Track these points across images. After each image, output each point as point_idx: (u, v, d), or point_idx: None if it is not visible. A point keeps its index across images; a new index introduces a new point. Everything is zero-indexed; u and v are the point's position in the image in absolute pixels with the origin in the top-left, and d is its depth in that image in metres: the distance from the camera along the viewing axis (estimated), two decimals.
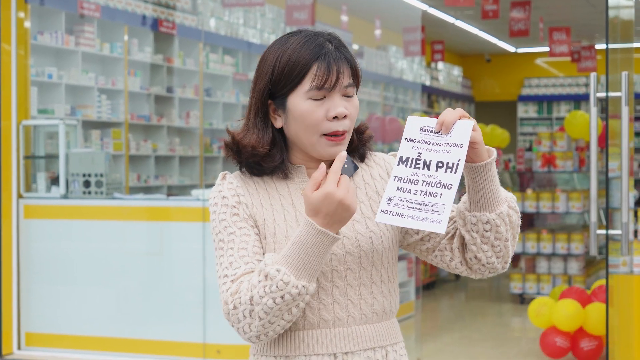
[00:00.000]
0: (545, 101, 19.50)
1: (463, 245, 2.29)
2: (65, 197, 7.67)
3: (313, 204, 2.08)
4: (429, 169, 2.13)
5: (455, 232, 2.30)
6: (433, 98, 17.91)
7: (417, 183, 2.12)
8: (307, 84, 2.21)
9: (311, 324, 2.24)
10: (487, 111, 20.20)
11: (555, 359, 7.50)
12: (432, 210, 2.09)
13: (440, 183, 2.11)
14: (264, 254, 2.23)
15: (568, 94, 19.21)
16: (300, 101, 2.22)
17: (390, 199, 2.13)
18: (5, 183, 7.55)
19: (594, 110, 5.18)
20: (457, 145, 2.11)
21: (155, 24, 10.44)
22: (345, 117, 2.22)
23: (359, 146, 2.36)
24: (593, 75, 5.13)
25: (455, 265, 2.31)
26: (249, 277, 2.15)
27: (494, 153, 2.21)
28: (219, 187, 2.30)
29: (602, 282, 7.96)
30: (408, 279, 9.53)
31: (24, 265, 7.60)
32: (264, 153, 2.27)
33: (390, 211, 2.12)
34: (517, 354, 8.10)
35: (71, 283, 7.54)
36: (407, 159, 2.15)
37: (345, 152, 2.10)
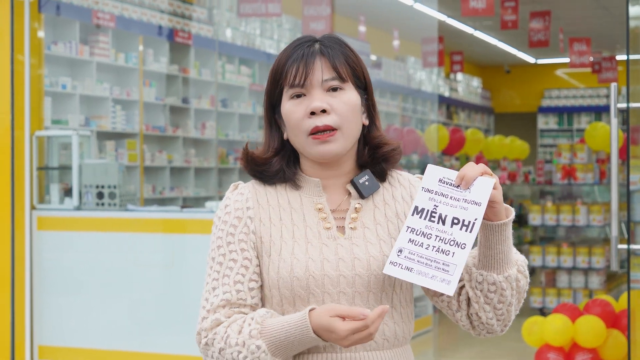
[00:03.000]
0: (566, 112, 19.38)
1: (469, 299, 2.19)
2: (78, 208, 7.60)
3: (324, 324, 2.00)
4: (444, 224, 2.05)
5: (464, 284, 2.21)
6: (452, 109, 17.82)
7: (431, 237, 2.05)
8: (286, 86, 2.17)
9: (316, 348, 2.13)
10: (507, 122, 20.10)
11: None
12: (443, 269, 2.01)
13: (454, 241, 2.03)
14: (261, 272, 2.17)
15: (589, 106, 19.09)
16: (285, 104, 2.18)
17: (400, 251, 2.05)
18: (18, 194, 7.48)
19: (614, 121, 5.06)
20: (476, 204, 2.04)
21: (171, 34, 10.38)
22: (324, 111, 2.14)
23: (373, 162, 2.24)
24: (613, 85, 5.00)
25: (460, 317, 2.21)
26: (227, 320, 2.11)
27: (512, 213, 2.12)
28: (227, 199, 2.25)
29: (600, 295, 7.90)
30: (422, 292, 9.41)
31: (36, 277, 7.53)
32: (262, 161, 2.22)
33: (400, 264, 2.04)
34: None
35: (84, 295, 7.47)
36: (423, 210, 2.08)
37: (387, 308, 1.99)
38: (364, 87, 2.23)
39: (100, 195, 7.57)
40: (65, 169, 7.85)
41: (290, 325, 2.03)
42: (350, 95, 2.17)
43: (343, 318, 1.98)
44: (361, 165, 2.24)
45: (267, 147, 2.24)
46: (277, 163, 2.21)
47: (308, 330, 2.01)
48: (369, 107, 2.25)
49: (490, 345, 9.13)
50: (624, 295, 7.74)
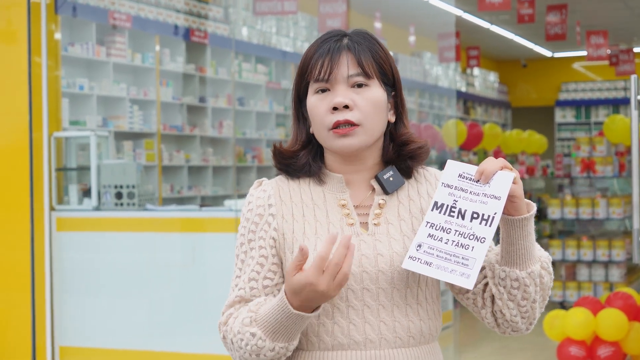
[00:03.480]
0: (583, 106, 19.30)
1: (493, 296, 2.17)
2: (97, 209, 7.60)
3: (293, 287, 1.98)
4: (463, 218, 2.04)
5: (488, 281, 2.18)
6: (469, 104, 17.77)
7: (450, 232, 2.04)
8: (311, 81, 2.16)
9: (340, 345, 2.12)
10: (524, 117, 20.03)
11: None
12: (462, 263, 2.00)
13: (474, 235, 2.02)
14: (284, 268, 2.16)
15: (606, 98, 19.01)
16: (310, 98, 2.17)
17: (420, 246, 2.04)
18: (37, 195, 7.50)
19: (634, 113, 5.03)
20: (495, 198, 2.02)
21: (187, 33, 10.38)
22: (347, 107, 2.12)
23: (399, 159, 2.21)
24: (634, 77, 4.97)
25: (485, 314, 2.18)
26: (236, 313, 2.13)
27: (534, 208, 2.10)
28: (250, 197, 2.24)
29: (621, 288, 7.87)
30: (446, 287, 9.39)
31: (56, 278, 7.54)
32: (290, 155, 2.21)
33: (419, 258, 2.03)
34: None
35: (104, 296, 7.48)
36: (442, 205, 2.07)
37: (338, 235, 1.96)
38: (392, 84, 2.21)
39: (118, 196, 7.57)
40: (83, 169, 7.87)
41: (274, 309, 2.02)
42: (375, 92, 2.14)
43: (301, 270, 1.97)
44: (386, 161, 2.22)
45: (295, 140, 2.23)
46: (304, 157, 2.20)
47: (288, 309, 1.99)
48: (397, 104, 2.23)
49: (511, 339, 9.10)
50: None
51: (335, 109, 2.12)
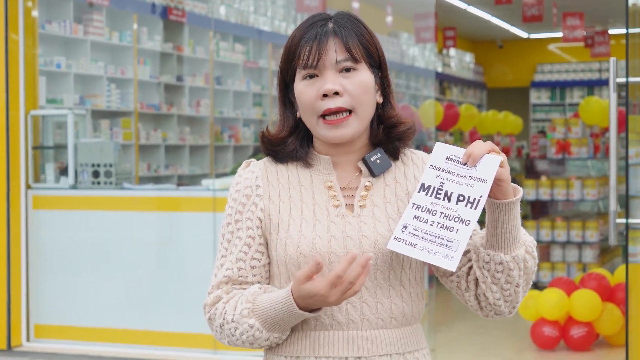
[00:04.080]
0: (558, 87, 19.36)
1: (477, 279, 2.19)
2: (74, 187, 7.59)
3: (301, 293, 2.02)
4: (449, 200, 2.05)
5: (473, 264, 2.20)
6: (445, 85, 17.79)
7: (435, 214, 2.05)
8: (299, 67, 2.16)
9: (323, 325, 2.14)
10: (500, 97, 20.08)
11: (547, 349, 7.52)
12: (446, 245, 2.01)
13: (459, 217, 2.03)
14: (269, 249, 2.19)
15: (581, 80, 19.07)
16: (298, 84, 2.17)
17: (405, 227, 2.05)
18: (14, 174, 7.48)
19: (613, 95, 5.05)
20: (481, 180, 2.03)
21: (165, 12, 10.35)
22: (337, 93, 2.12)
23: (387, 141, 2.22)
24: (613, 60, 4.98)
25: (469, 297, 2.20)
26: (226, 297, 2.15)
27: (520, 192, 2.12)
28: (238, 177, 2.25)
29: (595, 269, 7.96)
30: (424, 265, 9.40)
31: (32, 256, 7.53)
32: (278, 141, 2.21)
33: (404, 240, 2.04)
34: (532, 343, 8.00)
35: (80, 274, 7.48)
36: (429, 187, 2.07)
37: (357, 255, 1.99)
38: (378, 65, 2.21)
39: (96, 174, 7.56)
40: (60, 148, 7.84)
41: (277, 304, 2.05)
42: (364, 76, 2.15)
43: (311, 278, 2.00)
44: (374, 143, 2.23)
45: (282, 126, 2.23)
46: (292, 143, 2.21)
47: (294, 307, 2.03)
48: (383, 85, 2.24)
49: (485, 319, 9.16)
50: (620, 269, 7.77)
51: (325, 95, 2.12)
